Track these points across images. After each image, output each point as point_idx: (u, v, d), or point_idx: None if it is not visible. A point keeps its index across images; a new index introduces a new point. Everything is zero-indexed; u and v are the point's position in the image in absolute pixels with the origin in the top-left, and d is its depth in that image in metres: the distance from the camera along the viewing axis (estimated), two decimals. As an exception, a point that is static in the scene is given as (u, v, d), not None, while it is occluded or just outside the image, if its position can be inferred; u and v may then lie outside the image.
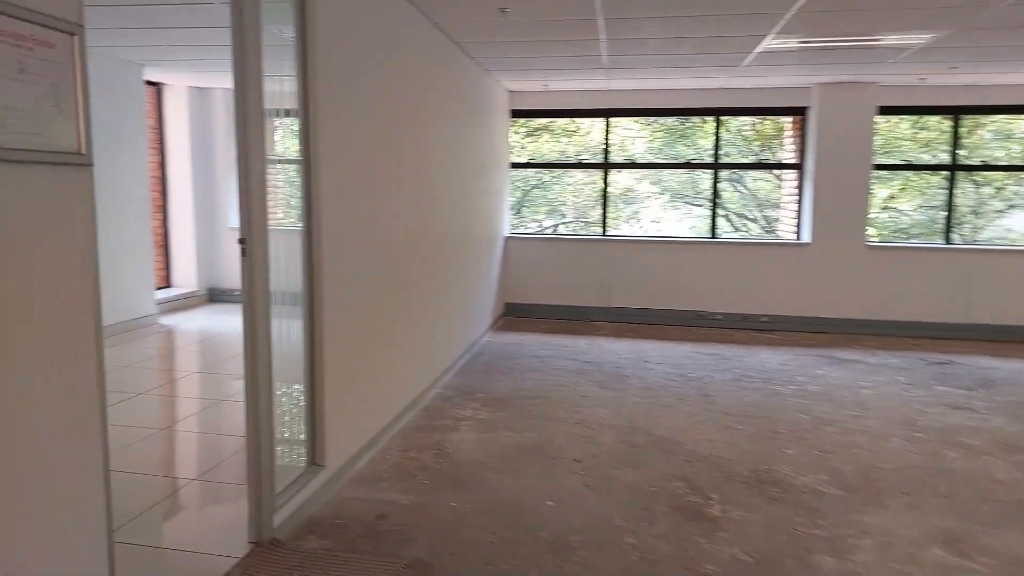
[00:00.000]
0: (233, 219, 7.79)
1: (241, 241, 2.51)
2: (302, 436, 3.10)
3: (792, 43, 5.04)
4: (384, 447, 3.76)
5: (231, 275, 7.87)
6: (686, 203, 10.54)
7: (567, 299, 7.58)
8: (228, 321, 6.89)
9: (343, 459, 3.33)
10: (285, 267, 2.85)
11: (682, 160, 9.86)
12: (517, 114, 7.70)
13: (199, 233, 7.80)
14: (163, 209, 7.71)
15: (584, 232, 8.45)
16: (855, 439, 4.04)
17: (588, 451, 3.77)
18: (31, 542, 1.64)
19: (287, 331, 2.90)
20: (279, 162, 2.87)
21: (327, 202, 3.03)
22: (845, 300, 7.01)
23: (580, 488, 3.31)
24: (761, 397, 4.83)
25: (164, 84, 7.52)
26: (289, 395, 3.04)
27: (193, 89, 7.62)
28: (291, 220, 2.96)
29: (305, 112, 2.90)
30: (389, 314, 3.93)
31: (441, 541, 2.78)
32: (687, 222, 10.54)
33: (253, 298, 2.55)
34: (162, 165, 7.66)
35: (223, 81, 7.27)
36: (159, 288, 7.41)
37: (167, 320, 6.92)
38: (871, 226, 7.02)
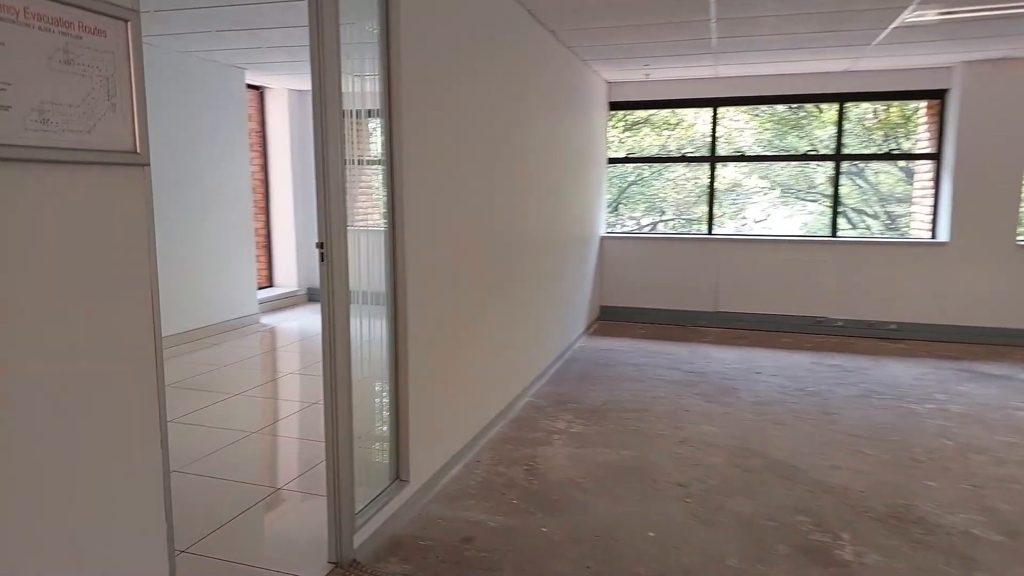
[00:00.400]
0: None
1: (319, 245, 2.35)
2: (385, 450, 2.94)
3: (932, 15, 4.43)
4: (471, 461, 3.55)
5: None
6: (798, 198, 9.80)
7: (667, 303, 7.13)
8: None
9: (428, 474, 3.15)
10: (368, 269, 2.69)
11: (795, 152, 9.15)
12: (616, 106, 7.32)
13: (299, 233, 7.94)
14: (266, 210, 7.91)
15: (687, 230, 7.97)
16: (1013, 472, 3.45)
17: (694, 475, 3.41)
18: (85, 551, 1.52)
19: (369, 336, 2.74)
20: (362, 163, 2.71)
21: (411, 202, 2.85)
22: (990, 306, 6.19)
23: (685, 518, 2.96)
24: (893, 417, 4.27)
25: (266, 87, 7.70)
26: (371, 406, 2.88)
27: (293, 92, 7.76)
28: (377, 220, 2.80)
29: (389, 110, 2.72)
30: (478, 318, 3.72)
31: (530, 573, 2.53)
32: (798, 219, 9.79)
33: (332, 307, 2.39)
34: (264, 167, 7.86)
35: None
36: (261, 288, 7.60)
37: (268, 319, 7.06)
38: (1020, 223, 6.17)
